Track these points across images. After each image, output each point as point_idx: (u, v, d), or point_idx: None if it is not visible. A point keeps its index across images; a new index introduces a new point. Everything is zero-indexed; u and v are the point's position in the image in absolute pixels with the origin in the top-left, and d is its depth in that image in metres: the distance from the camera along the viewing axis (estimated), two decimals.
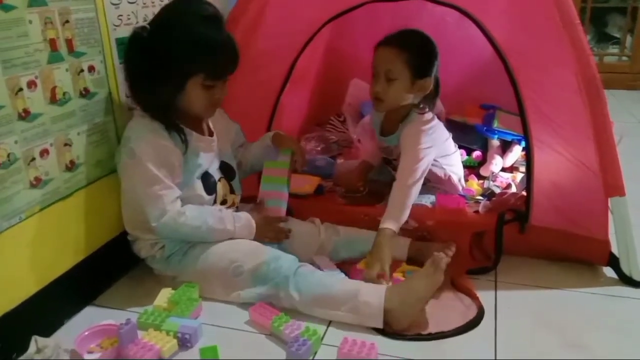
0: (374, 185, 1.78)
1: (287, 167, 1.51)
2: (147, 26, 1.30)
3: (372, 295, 1.25)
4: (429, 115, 1.61)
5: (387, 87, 1.53)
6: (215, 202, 1.44)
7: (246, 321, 1.29)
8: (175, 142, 1.33)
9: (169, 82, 1.30)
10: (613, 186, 1.37)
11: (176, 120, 1.35)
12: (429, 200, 1.66)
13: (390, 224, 1.43)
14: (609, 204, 1.40)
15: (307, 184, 1.78)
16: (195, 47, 1.26)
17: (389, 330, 1.23)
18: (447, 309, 1.31)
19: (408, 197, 1.48)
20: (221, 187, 1.47)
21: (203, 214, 1.35)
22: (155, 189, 1.29)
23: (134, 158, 1.30)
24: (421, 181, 1.52)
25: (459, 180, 1.74)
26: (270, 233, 1.44)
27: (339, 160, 2.05)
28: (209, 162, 1.43)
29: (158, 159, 1.30)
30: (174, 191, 1.33)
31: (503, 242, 1.49)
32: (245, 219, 1.41)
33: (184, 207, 1.33)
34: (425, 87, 1.56)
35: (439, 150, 1.64)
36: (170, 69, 1.28)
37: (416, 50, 1.52)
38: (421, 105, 1.60)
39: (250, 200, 1.56)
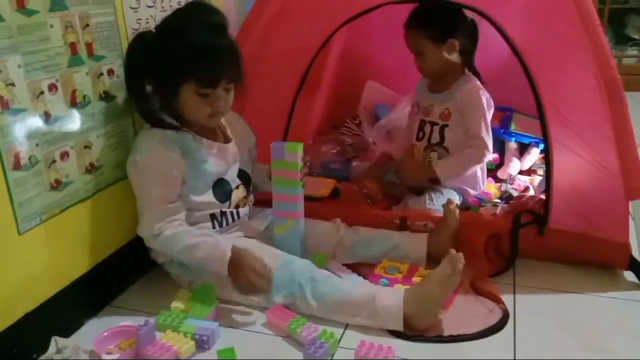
0: (392, 187, 1.78)
1: (297, 168, 1.43)
2: (153, 30, 1.33)
3: (391, 299, 1.24)
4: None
5: (422, 60, 1.71)
6: (229, 207, 1.43)
7: (263, 323, 1.29)
8: (184, 150, 1.33)
9: (164, 86, 1.31)
10: (634, 189, 1.35)
11: (182, 127, 1.34)
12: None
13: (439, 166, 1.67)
14: (630, 207, 1.38)
15: (322, 186, 1.78)
16: (188, 53, 1.26)
17: (408, 332, 1.23)
18: (470, 312, 1.30)
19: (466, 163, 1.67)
20: (238, 194, 1.46)
21: (180, 241, 1.29)
22: (148, 205, 1.32)
23: (137, 169, 1.32)
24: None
25: (480, 176, 1.74)
26: (243, 281, 1.26)
27: (355, 163, 2.04)
28: (222, 168, 1.42)
29: (159, 175, 1.31)
30: (167, 210, 1.30)
31: (518, 244, 1.47)
32: (222, 250, 1.27)
33: (169, 231, 1.29)
34: (453, 46, 1.66)
35: None
36: (164, 73, 1.29)
37: (431, 23, 1.64)
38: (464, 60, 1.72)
39: (265, 203, 1.52)
